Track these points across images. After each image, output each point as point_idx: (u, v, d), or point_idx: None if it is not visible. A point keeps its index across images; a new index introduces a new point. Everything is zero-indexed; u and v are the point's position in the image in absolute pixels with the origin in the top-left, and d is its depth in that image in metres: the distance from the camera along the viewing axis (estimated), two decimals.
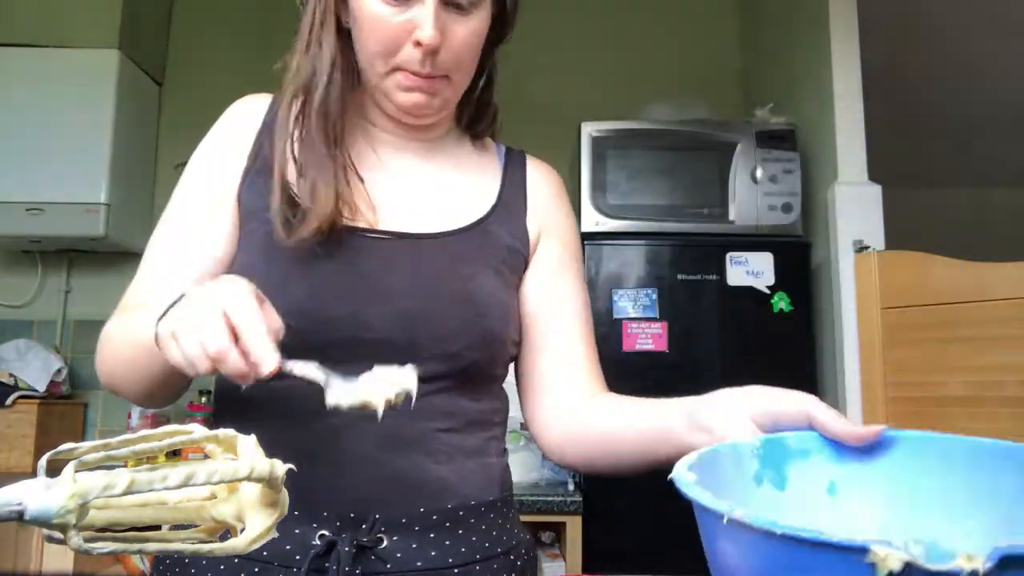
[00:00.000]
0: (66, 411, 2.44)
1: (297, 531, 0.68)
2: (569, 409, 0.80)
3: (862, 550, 0.32)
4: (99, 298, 2.41)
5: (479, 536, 0.74)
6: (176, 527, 0.45)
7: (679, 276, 2.00)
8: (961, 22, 2.80)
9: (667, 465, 0.46)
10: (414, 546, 0.70)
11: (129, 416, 2.35)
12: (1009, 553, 0.30)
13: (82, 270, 2.63)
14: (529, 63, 2.79)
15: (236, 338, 0.52)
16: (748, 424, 0.57)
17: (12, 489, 0.35)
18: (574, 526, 1.87)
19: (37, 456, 2.14)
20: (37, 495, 0.34)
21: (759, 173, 2.05)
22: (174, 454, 0.57)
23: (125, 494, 0.35)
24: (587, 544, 1.86)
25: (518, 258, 0.82)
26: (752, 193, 2.05)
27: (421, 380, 0.70)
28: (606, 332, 1.96)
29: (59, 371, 2.36)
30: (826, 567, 0.33)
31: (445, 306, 0.74)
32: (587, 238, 2.03)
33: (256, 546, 0.41)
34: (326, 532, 0.68)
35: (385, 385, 0.55)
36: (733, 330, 1.97)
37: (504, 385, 0.83)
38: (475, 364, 0.76)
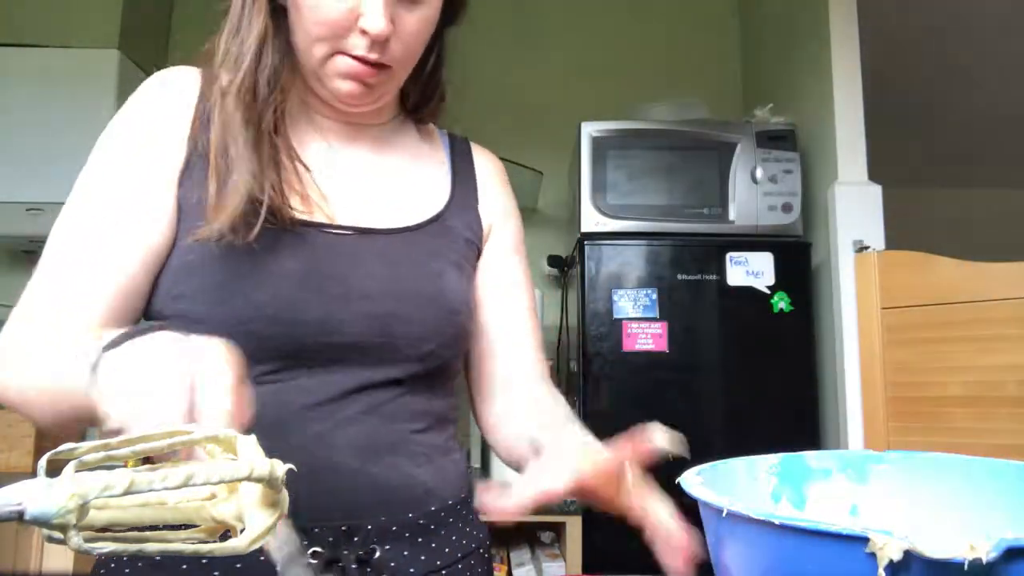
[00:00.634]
0: None
1: None
2: (505, 416, 0.80)
3: (862, 539, 0.31)
4: None
5: (458, 535, 0.74)
6: (172, 527, 0.45)
7: (679, 276, 2.00)
8: (961, 22, 2.80)
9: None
10: (406, 553, 0.68)
11: None
12: (1015, 544, 0.29)
13: None
14: (529, 63, 2.79)
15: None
16: (564, 478, 0.55)
17: (12, 489, 0.35)
18: (574, 526, 1.87)
19: (37, 456, 2.14)
20: (37, 495, 0.34)
21: (759, 173, 2.05)
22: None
23: (125, 494, 0.35)
24: (587, 544, 1.86)
25: (473, 250, 0.82)
26: (752, 193, 2.05)
27: (395, 382, 0.70)
28: (606, 332, 1.96)
29: None
30: (826, 557, 0.33)
31: (421, 306, 0.71)
32: (587, 238, 2.03)
33: (256, 546, 0.41)
34: (318, 549, 0.64)
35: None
36: (733, 330, 1.97)
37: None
38: (446, 362, 0.75)
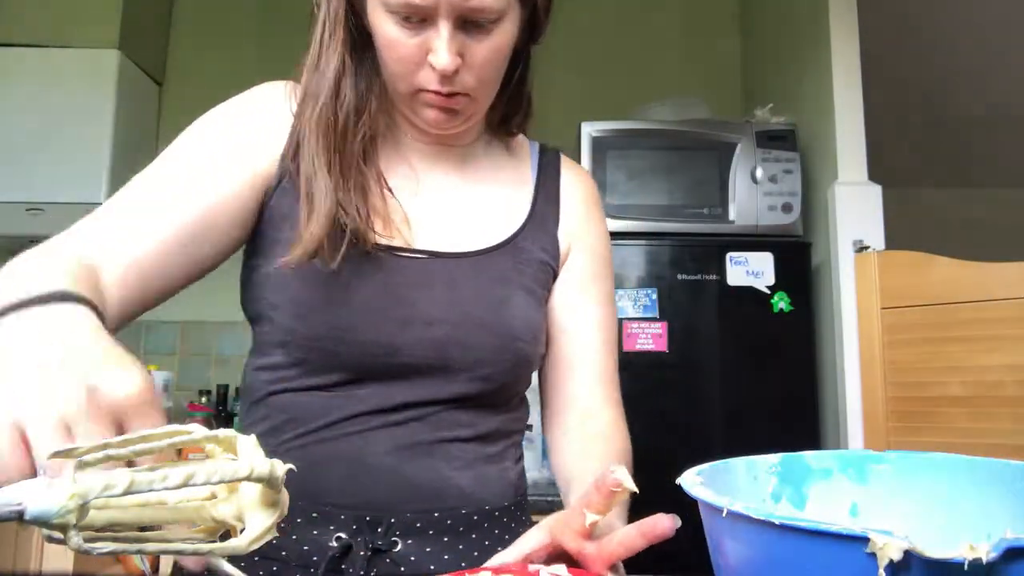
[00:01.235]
0: None
1: (315, 532, 0.69)
2: (556, 445, 0.82)
3: (862, 539, 0.31)
4: None
5: (492, 540, 0.74)
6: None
7: (679, 276, 2.00)
8: (961, 22, 2.80)
9: None
10: (428, 549, 0.70)
11: None
12: (1015, 544, 0.29)
13: None
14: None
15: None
16: (538, 538, 0.57)
17: (12, 489, 0.35)
18: None
19: None
20: (37, 495, 0.34)
21: (759, 173, 2.05)
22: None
23: (125, 494, 0.35)
24: None
25: (548, 272, 0.82)
26: (752, 193, 2.05)
27: (448, 400, 0.73)
28: None
29: None
30: (826, 557, 0.32)
31: (480, 332, 0.73)
32: None
33: (256, 546, 0.41)
34: (343, 535, 0.69)
35: None
36: (733, 330, 1.97)
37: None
38: (504, 385, 0.76)
